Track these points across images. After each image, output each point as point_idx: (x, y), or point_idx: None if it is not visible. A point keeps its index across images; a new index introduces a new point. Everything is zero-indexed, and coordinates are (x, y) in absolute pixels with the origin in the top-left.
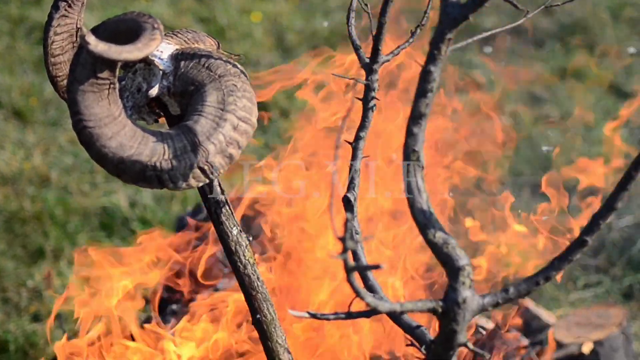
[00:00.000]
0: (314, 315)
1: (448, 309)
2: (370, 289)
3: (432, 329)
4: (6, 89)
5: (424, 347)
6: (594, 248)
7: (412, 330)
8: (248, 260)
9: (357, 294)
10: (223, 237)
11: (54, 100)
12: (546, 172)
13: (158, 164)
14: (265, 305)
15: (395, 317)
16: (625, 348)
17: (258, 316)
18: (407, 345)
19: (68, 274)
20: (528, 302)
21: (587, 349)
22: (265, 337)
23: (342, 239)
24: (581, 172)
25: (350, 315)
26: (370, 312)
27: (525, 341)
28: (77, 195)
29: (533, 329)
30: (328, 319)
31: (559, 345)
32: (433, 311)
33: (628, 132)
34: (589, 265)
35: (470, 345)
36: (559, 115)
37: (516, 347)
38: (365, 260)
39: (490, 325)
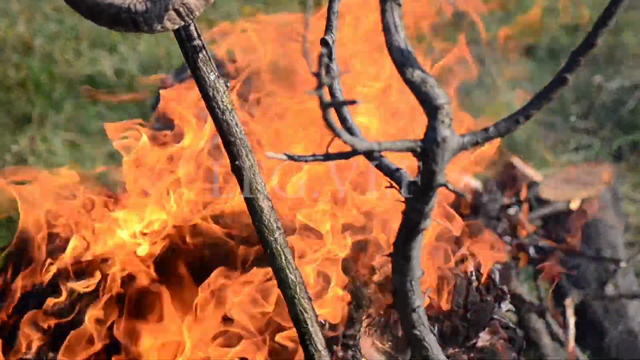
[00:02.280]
0: (291, 157)
1: (427, 149)
2: (349, 131)
3: None
4: None
5: (403, 189)
6: (583, 111)
7: (391, 173)
8: (226, 106)
9: (334, 131)
10: (200, 82)
11: None
12: None
13: (132, 7)
14: (244, 152)
15: (374, 158)
16: (613, 206)
17: (237, 162)
18: (387, 187)
19: (53, 140)
20: (516, 160)
21: (574, 205)
22: (243, 183)
23: (317, 75)
24: None
25: (328, 157)
26: (349, 153)
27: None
28: (61, 63)
29: (520, 186)
30: (306, 161)
31: (547, 202)
32: (412, 150)
33: None
34: (578, 127)
35: (450, 185)
36: None
37: (501, 205)
38: (342, 96)
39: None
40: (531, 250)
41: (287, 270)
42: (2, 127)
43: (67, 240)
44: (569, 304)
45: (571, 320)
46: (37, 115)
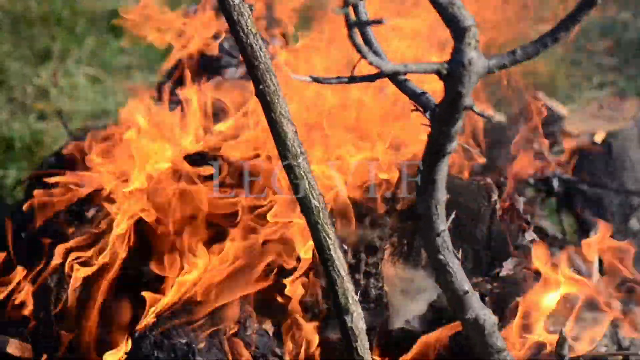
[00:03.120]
0: (316, 79)
1: (453, 71)
2: (375, 53)
3: None
4: None
5: (428, 112)
6: (609, 47)
7: (417, 97)
8: (250, 30)
9: (359, 51)
10: (225, 7)
11: None
12: None
13: None
14: (268, 76)
15: (399, 82)
16: (638, 141)
17: (261, 87)
18: (412, 110)
19: (75, 74)
20: (541, 95)
21: (599, 138)
22: (268, 109)
23: None
24: None
25: (353, 79)
26: (374, 76)
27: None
28: None
29: (545, 121)
30: (330, 83)
31: (571, 136)
32: (438, 72)
33: None
34: (604, 64)
35: (476, 108)
36: None
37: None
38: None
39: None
40: (555, 183)
41: (311, 196)
42: (24, 61)
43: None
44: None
45: (595, 255)
46: (59, 50)
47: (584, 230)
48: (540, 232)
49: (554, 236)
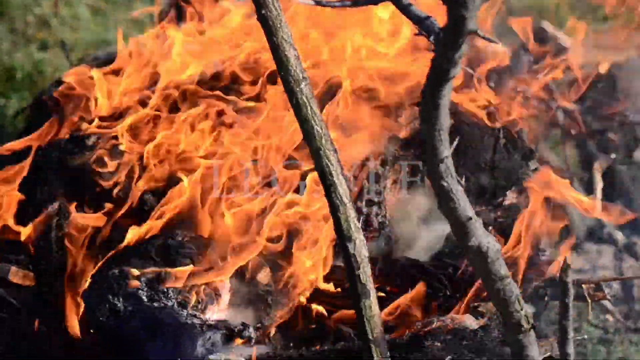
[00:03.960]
0: (319, 3)
1: None
2: None
3: None
4: None
5: (432, 37)
6: None
7: (421, 21)
8: None
9: None
10: None
11: None
12: None
13: None
14: (270, 0)
15: (403, 6)
16: None
17: (263, 11)
18: (416, 34)
19: (76, 4)
20: (546, 25)
21: (603, 69)
22: (270, 34)
23: None
24: None
25: (356, 3)
26: None
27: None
28: None
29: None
30: (334, 6)
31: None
32: None
33: None
34: None
35: (480, 32)
36: None
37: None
38: None
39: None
40: (559, 115)
41: (313, 122)
42: None
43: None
44: (597, 168)
45: (598, 186)
46: None
47: (587, 161)
48: (544, 164)
49: (557, 168)
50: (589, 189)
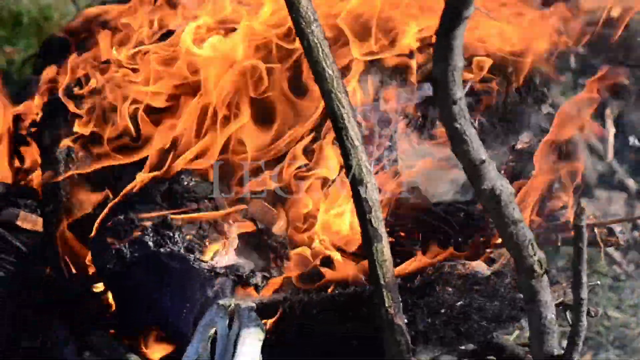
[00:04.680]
0: None
1: None
2: None
3: None
4: None
5: None
6: None
7: None
8: None
9: None
10: None
11: None
12: None
13: None
14: None
15: None
16: None
17: None
18: None
19: None
20: None
21: (616, 13)
22: None
23: None
24: None
25: None
26: None
27: None
28: None
29: None
30: None
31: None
32: None
33: None
34: None
35: None
36: None
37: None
38: None
39: None
40: (571, 59)
41: (324, 64)
42: None
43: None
44: (609, 115)
45: (610, 132)
46: None
47: (598, 107)
48: (556, 107)
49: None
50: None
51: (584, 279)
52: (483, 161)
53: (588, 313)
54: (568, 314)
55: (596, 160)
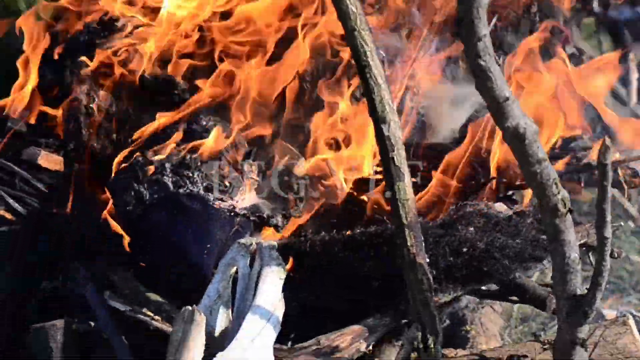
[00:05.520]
0: None
1: None
2: None
3: None
4: None
5: None
6: None
7: None
8: None
9: None
10: None
11: None
12: None
13: None
14: None
15: None
16: None
17: None
18: None
19: None
20: None
21: None
22: None
23: None
24: None
25: None
26: None
27: None
28: None
29: None
30: None
31: None
32: None
33: None
34: None
35: None
36: None
37: None
38: None
39: None
40: (595, 3)
41: (348, 1)
42: None
43: None
44: (632, 59)
45: (634, 76)
46: None
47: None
48: (579, 52)
49: (592, 57)
50: (624, 80)
51: (608, 217)
52: (507, 98)
53: (611, 254)
54: (591, 255)
55: (619, 106)
